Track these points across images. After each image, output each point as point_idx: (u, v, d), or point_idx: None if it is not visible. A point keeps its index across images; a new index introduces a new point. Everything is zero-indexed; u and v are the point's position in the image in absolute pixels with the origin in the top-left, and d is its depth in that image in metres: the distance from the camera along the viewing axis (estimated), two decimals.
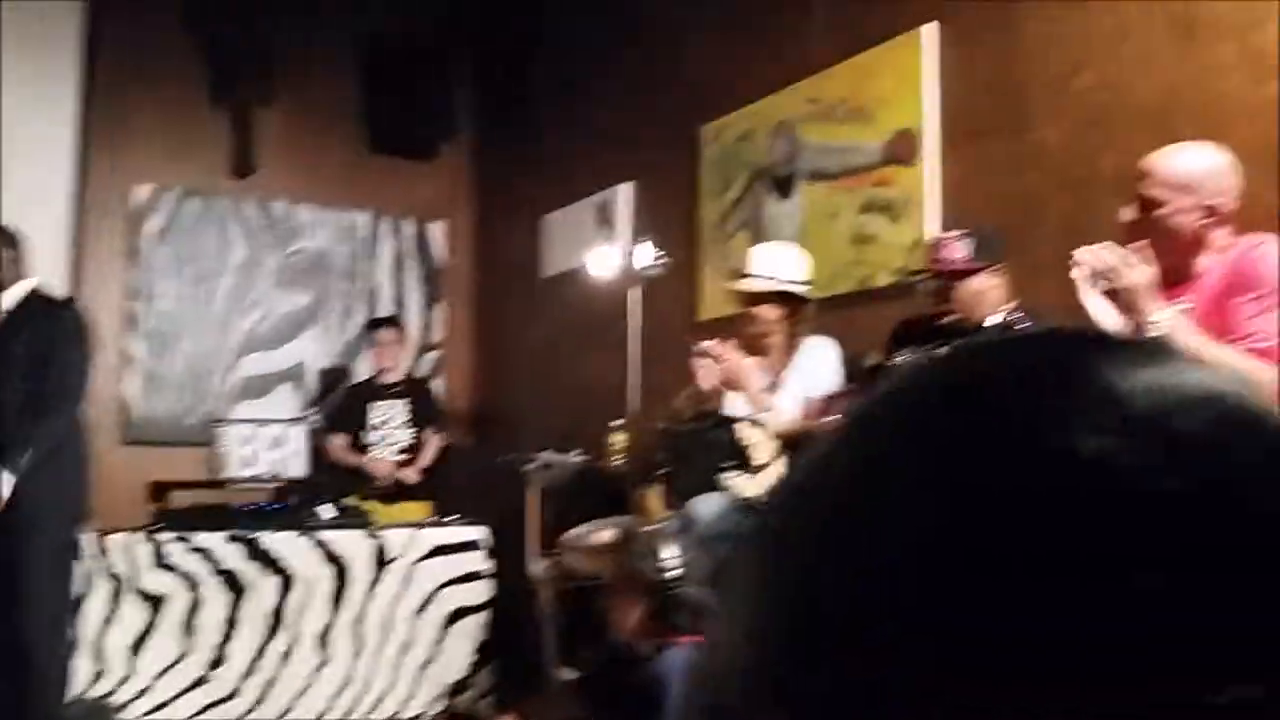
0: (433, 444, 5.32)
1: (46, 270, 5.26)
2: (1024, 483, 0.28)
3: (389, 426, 5.24)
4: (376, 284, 6.00)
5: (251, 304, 5.69)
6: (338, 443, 5.25)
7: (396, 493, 5.12)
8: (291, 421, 4.68)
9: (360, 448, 5.22)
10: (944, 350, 0.34)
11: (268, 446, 4.59)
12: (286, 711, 4.21)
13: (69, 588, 3.93)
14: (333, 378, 5.77)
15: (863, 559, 0.29)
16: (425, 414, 5.36)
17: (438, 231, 6.20)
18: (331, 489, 4.75)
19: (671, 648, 2.36)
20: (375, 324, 5.51)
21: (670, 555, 2.47)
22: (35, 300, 3.94)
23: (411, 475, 5.18)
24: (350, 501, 4.77)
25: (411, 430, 5.25)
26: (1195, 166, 2.38)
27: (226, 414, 5.32)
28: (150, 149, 5.55)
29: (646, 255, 3.90)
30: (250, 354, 5.66)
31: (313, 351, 5.81)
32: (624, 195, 5.11)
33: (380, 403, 5.26)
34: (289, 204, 5.81)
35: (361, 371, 5.68)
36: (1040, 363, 0.31)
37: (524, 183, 5.90)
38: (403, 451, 5.24)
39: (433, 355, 6.12)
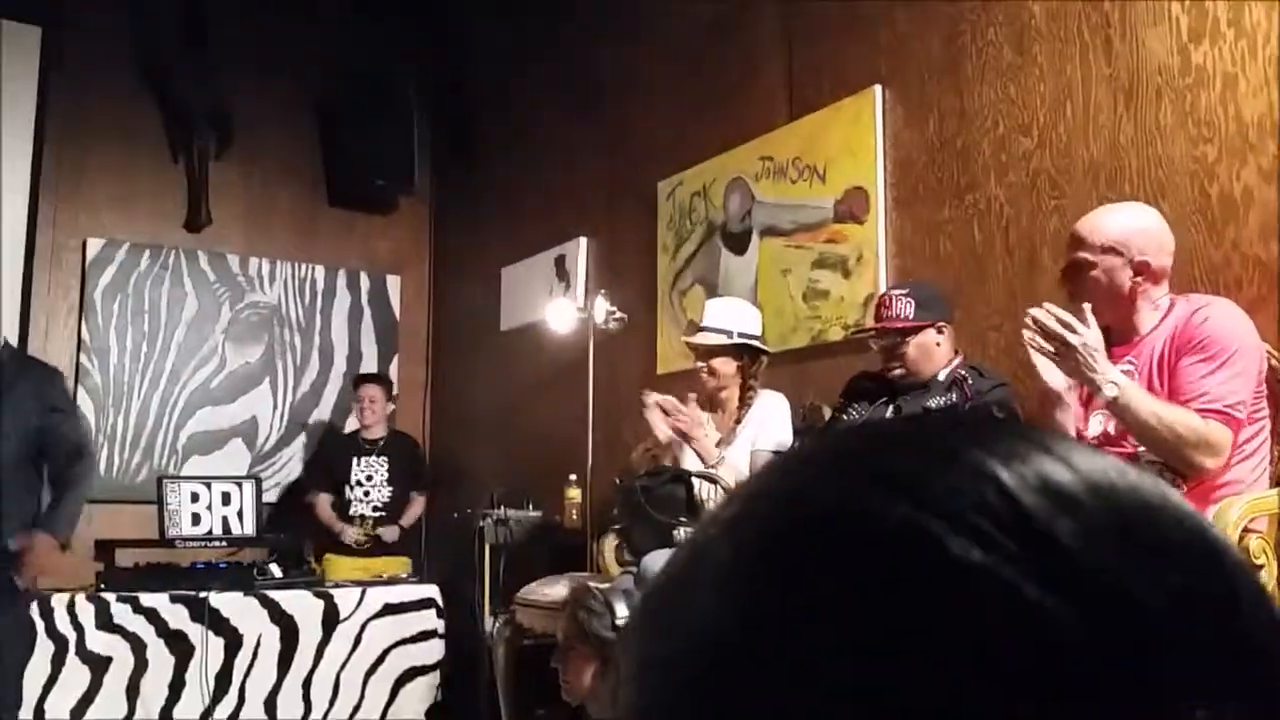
0: (417, 503, 5.28)
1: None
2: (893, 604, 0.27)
3: (371, 484, 5.19)
4: (332, 338, 5.96)
5: (203, 358, 5.63)
6: (322, 499, 5.19)
7: (371, 549, 5.06)
8: (240, 479, 4.61)
9: (344, 504, 5.16)
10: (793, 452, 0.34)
11: (217, 504, 4.52)
12: None
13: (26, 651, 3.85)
14: (285, 436, 5.72)
15: (658, 654, 0.30)
16: (409, 471, 5.33)
17: (395, 285, 6.19)
18: (284, 546, 4.69)
19: None
20: (361, 380, 5.46)
21: (624, 613, 2.45)
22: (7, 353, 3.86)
23: (390, 534, 5.12)
24: (295, 561, 4.68)
25: (391, 488, 5.20)
26: (1122, 226, 2.42)
27: (177, 470, 5.24)
28: (103, 202, 5.51)
29: (601, 310, 3.91)
30: (202, 409, 5.58)
31: (265, 407, 5.74)
32: (580, 248, 5.13)
33: (363, 459, 5.21)
34: (243, 257, 5.77)
35: (345, 425, 5.66)
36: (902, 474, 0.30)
37: (482, 236, 5.91)
38: (381, 509, 5.19)
39: (389, 408, 6.06)
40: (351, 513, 5.17)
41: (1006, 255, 3.34)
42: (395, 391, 5.67)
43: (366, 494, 5.20)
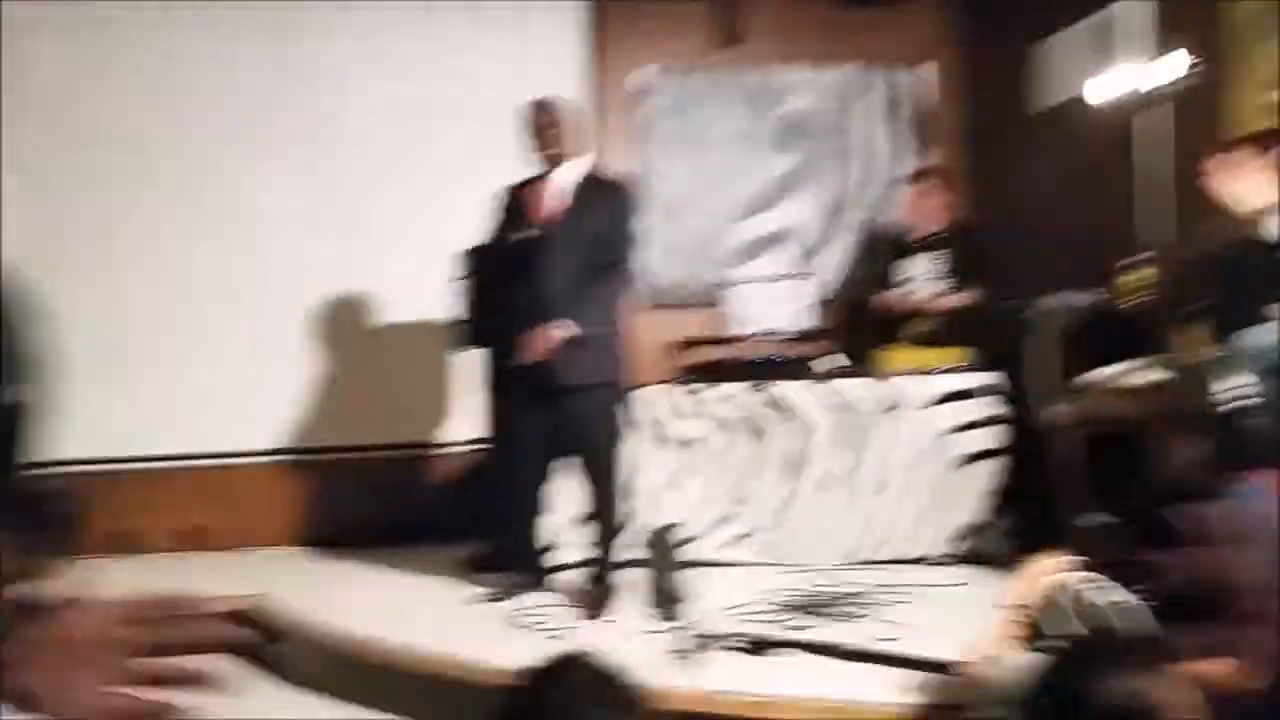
0: (966, 295, 5.05)
1: None
2: None
3: (928, 277, 5.08)
4: (866, 137, 5.99)
5: (747, 169, 5.94)
6: (891, 294, 5.15)
7: (932, 339, 4.96)
8: (799, 276, 4.84)
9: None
10: None
11: (778, 301, 4.81)
12: (810, 547, 4.50)
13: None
14: (827, 238, 5.90)
15: None
16: (962, 263, 5.08)
17: (925, 75, 6.03)
18: (841, 339, 4.90)
19: (1244, 482, 2.20)
20: (911, 176, 5.34)
21: (1228, 387, 2.28)
22: (593, 177, 4.13)
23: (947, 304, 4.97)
24: (847, 358, 4.82)
25: (951, 280, 5.04)
26: None
27: (732, 276, 5.64)
28: (651, 31, 5.92)
29: (1173, 67, 3.51)
30: (749, 217, 5.93)
31: (807, 210, 5.96)
32: (1127, 11, 4.62)
33: (913, 256, 5.12)
34: (776, 67, 5.93)
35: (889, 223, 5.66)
36: None
37: (1013, 11, 5.54)
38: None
39: None
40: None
41: None
42: (942, 184, 5.43)
43: (924, 286, 5.13)
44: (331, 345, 5.60)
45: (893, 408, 4.50)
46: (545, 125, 4.08)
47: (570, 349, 3.90)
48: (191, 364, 5.43)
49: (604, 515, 4.06)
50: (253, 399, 5.46)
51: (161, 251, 5.46)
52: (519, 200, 4.11)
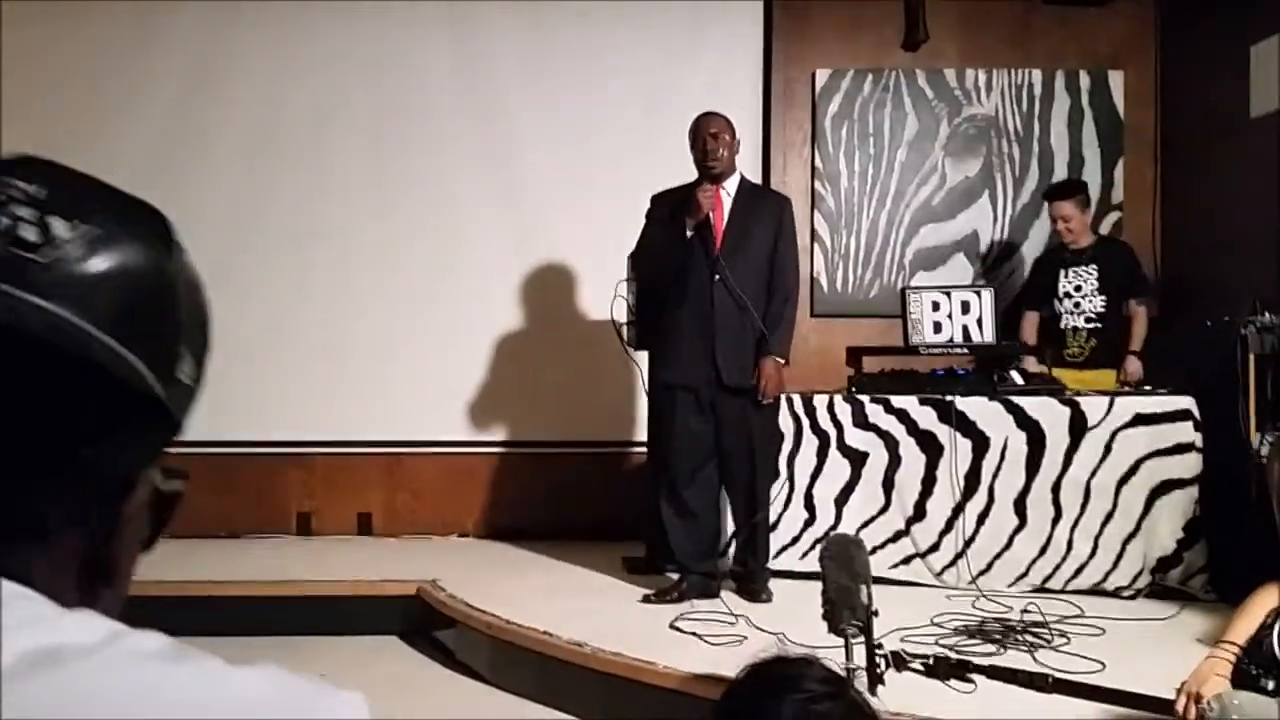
0: (1139, 316, 4.97)
1: (740, 158, 5.81)
2: None
3: (1080, 294, 5.01)
4: (1051, 145, 5.73)
5: (924, 176, 5.76)
6: (1028, 318, 5.15)
7: (1085, 362, 4.92)
8: (978, 288, 4.68)
9: (1053, 317, 5.05)
10: None
11: (957, 313, 4.65)
12: (984, 571, 4.31)
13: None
14: (1007, 249, 5.69)
15: None
16: (1122, 279, 5.00)
17: (1117, 81, 5.74)
18: (1021, 354, 4.71)
19: None
20: (1049, 195, 5.21)
21: None
22: (748, 185, 4.30)
23: (1134, 369, 4.86)
24: (1039, 368, 4.68)
25: (1103, 297, 4.97)
26: None
27: (906, 284, 5.49)
28: (828, 33, 5.80)
29: None
30: (925, 225, 5.75)
31: (985, 220, 5.74)
32: None
33: (1070, 269, 5.03)
34: (959, 70, 5.74)
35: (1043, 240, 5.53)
36: None
37: (1224, 11, 5.21)
38: (1094, 319, 4.99)
39: (1114, 216, 5.73)
40: (1063, 325, 5.01)
41: None
42: (1092, 197, 5.26)
43: (1076, 305, 4.99)
44: (510, 342, 5.68)
45: (1082, 428, 4.27)
46: (712, 136, 4.16)
47: (733, 357, 4.07)
48: (379, 356, 5.60)
49: (757, 522, 4.16)
50: (432, 391, 5.59)
51: (351, 244, 5.64)
52: (679, 207, 4.15)
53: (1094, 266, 4.98)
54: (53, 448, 0.59)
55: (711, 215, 4.12)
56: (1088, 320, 4.99)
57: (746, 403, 4.11)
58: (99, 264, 0.61)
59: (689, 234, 4.09)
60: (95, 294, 0.60)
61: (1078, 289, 4.99)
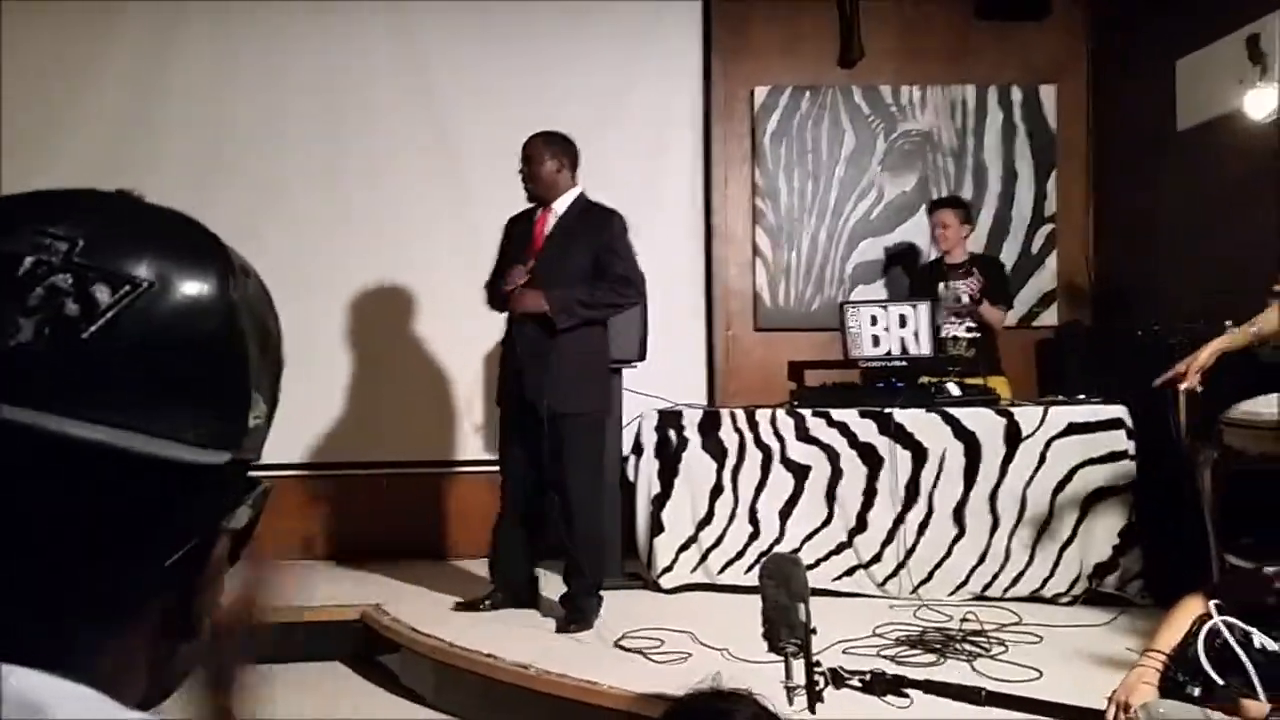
0: (994, 317, 5.11)
1: (682, 174, 5.86)
2: None
3: (959, 305, 5.13)
4: (985, 159, 5.83)
5: (862, 191, 5.83)
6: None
7: (965, 371, 4.98)
8: (916, 302, 4.74)
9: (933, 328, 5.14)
10: None
11: (894, 326, 4.70)
12: (925, 580, 4.36)
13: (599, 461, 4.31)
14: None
15: None
16: (996, 291, 5.19)
17: (1049, 95, 5.85)
18: (958, 365, 4.78)
19: None
20: (934, 206, 5.35)
21: None
22: (585, 207, 4.24)
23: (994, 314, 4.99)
24: (976, 380, 4.75)
25: (968, 296, 5.13)
26: None
27: (847, 298, 5.55)
28: (767, 50, 5.86)
29: None
30: (863, 240, 5.82)
31: (922, 235, 5.82)
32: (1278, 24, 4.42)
33: (950, 283, 5.16)
34: (894, 87, 5.82)
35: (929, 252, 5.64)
36: None
37: (1150, 27, 5.34)
38: (975, 330, 5.12)
39: (1047, 228, 5.84)
40: (943, 335, 5.09)
41: None
42: (971, 214, 5.43)
43: (956, 314, 5.12)
44: (459, 355, 5.61)
45: (1016, 437, 4.34)
46: (525, 159, 4.19)
47: (557, 379, 4.01)
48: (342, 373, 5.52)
49: (580, 540, 4.09)
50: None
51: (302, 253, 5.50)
52: (518, 231, 4.27)
53: (972, 280, 5.12)
54: (110, 544, 0.55)
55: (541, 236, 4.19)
56: (968, 330, 5.11)
57: (571, 425, 4.06)
58: (152, 334, 0.56)
59: (525, 258, 4.13)
60: (146, 380, 0.55)
61: (958, 299, 5.12)
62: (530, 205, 4.28)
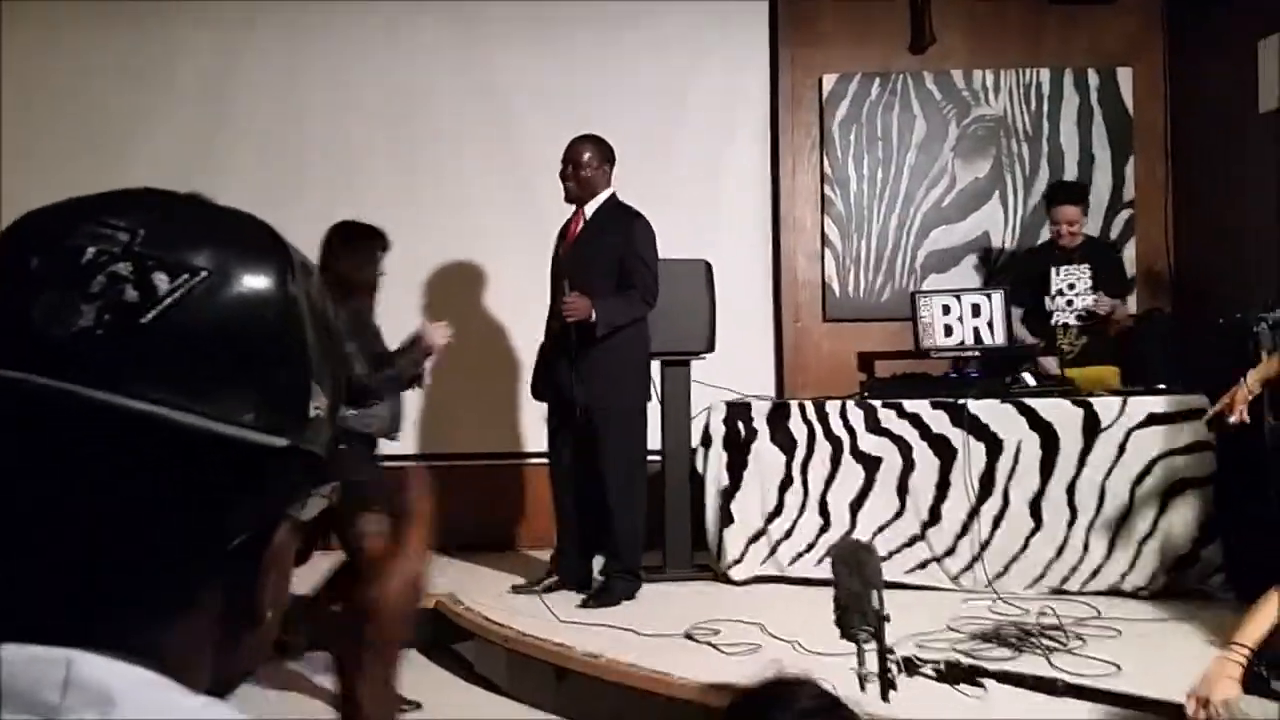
0: (1118, 311, 4.96)
1: (749, 165, 5.83)
2: None
3: (1074, 292, 4.97)
4: (1061, 144, 5.71)
5: (934, 178, 5.75)
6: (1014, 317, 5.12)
7: (1076, 360, 4.86)
8: (989, 290, 4.66)
9: (1043, 314, 5.01)
10: None
11: (968, 315, 4.64)
12: (1001, 574, 4.29)
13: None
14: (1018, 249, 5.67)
15: None
16: (1111, 279, 5.03)
17: (1125, 78, 5.71)
18: (1034, 355, 4.69)
19: None
20: (1058, 198, 5.18)
21: None
22: (613, 207, 4.41)
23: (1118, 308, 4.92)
24: (1054, 369, 4.66)
25: (1095, 295, 4.92)
26: None
27: (918, 288, 5.48)
28: (835, 38, 5.80)
29: None
30: (935, 228, 5.74)
31: (996, 221, 5.73)
32: None
33: (1061, 268, 5.00)
34: (966, 71, 5.73)
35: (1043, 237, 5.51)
36: None
37: (1229, 6, 5.18)
38: (1086, 317, 4.97)
39: (1125, 214, 5.71)
40: (1054, 322, 4.96)
41: None
42: (1103, 196, 5.30)
43: (1069, 302, 4.97)
44: (524, 351, 5.68)
45: (1095, 429, 4.25)
46: (563, 164, 4.42)
47: (593, 374, 4.23)
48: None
49: (619, 529, 4.31)
50: (458, 404, 5.58)
51: None
52: (561, 232, 4.53)
53: (1086, 265, 4.95)
54: (172, 525, 0.56)
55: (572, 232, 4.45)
56: (1079, 318, 4.96)
57: (605, 419, 4.27)
58: (211, 321, 0.56)
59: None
60: (204, 364, 0.56)
61: (1071, 286, 4.95)
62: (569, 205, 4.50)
